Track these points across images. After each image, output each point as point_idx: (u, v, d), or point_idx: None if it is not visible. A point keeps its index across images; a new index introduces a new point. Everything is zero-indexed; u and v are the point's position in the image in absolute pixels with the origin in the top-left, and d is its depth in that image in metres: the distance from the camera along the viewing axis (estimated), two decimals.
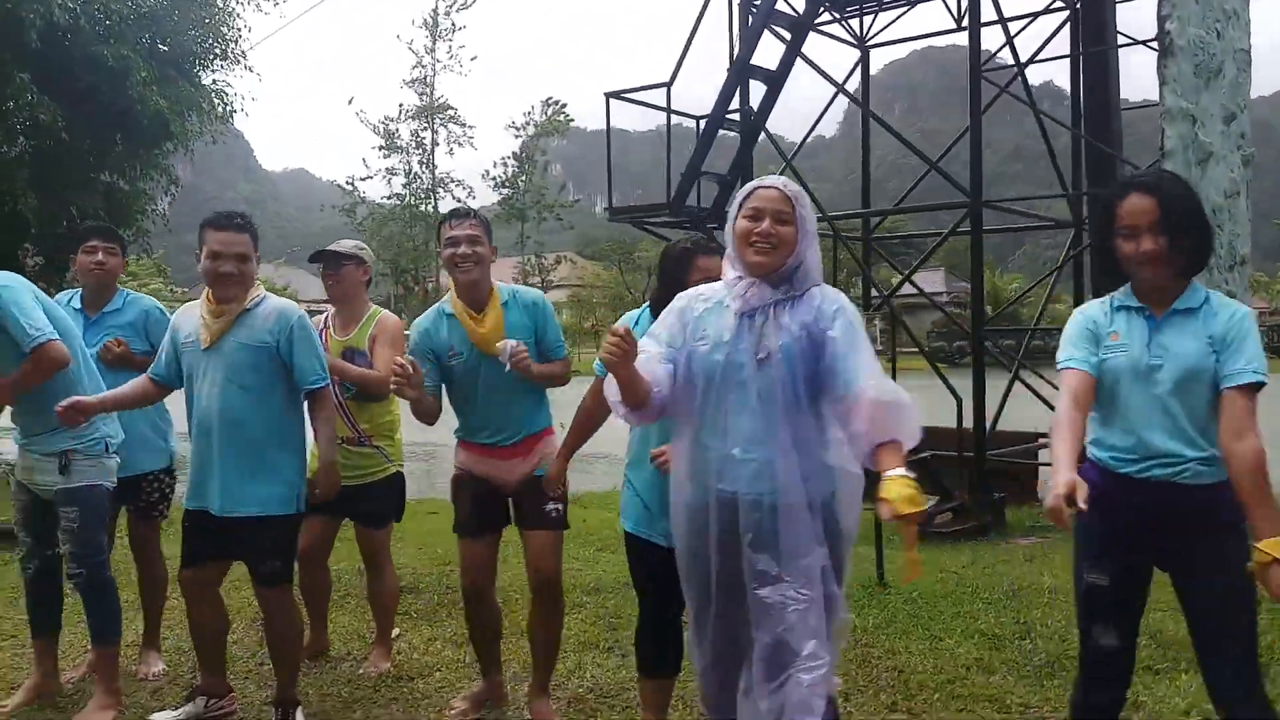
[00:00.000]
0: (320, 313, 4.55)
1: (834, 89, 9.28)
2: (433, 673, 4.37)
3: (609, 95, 8.74)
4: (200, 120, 13.74)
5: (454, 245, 3.69)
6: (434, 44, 46.15)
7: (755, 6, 8.55)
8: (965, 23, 10.01)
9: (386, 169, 47.48)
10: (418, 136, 47.65)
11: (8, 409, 4.00)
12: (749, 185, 2.84)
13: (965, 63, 8.42)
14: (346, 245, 4.55)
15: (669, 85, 8.50)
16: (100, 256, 4.34)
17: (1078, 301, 9.34)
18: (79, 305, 4.37)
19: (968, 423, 8.16)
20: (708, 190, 8.69)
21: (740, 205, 2.76)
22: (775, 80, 8.24)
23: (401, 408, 4.15)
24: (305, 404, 3.73)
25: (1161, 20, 7.29)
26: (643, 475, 3.27)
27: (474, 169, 50.11)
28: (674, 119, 8.92)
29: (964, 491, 7.97)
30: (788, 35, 8.35)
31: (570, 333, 57.09)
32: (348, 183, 46.27)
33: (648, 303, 3.43)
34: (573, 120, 51.94)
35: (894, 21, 10.84)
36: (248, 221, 3.72)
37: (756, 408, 2.62)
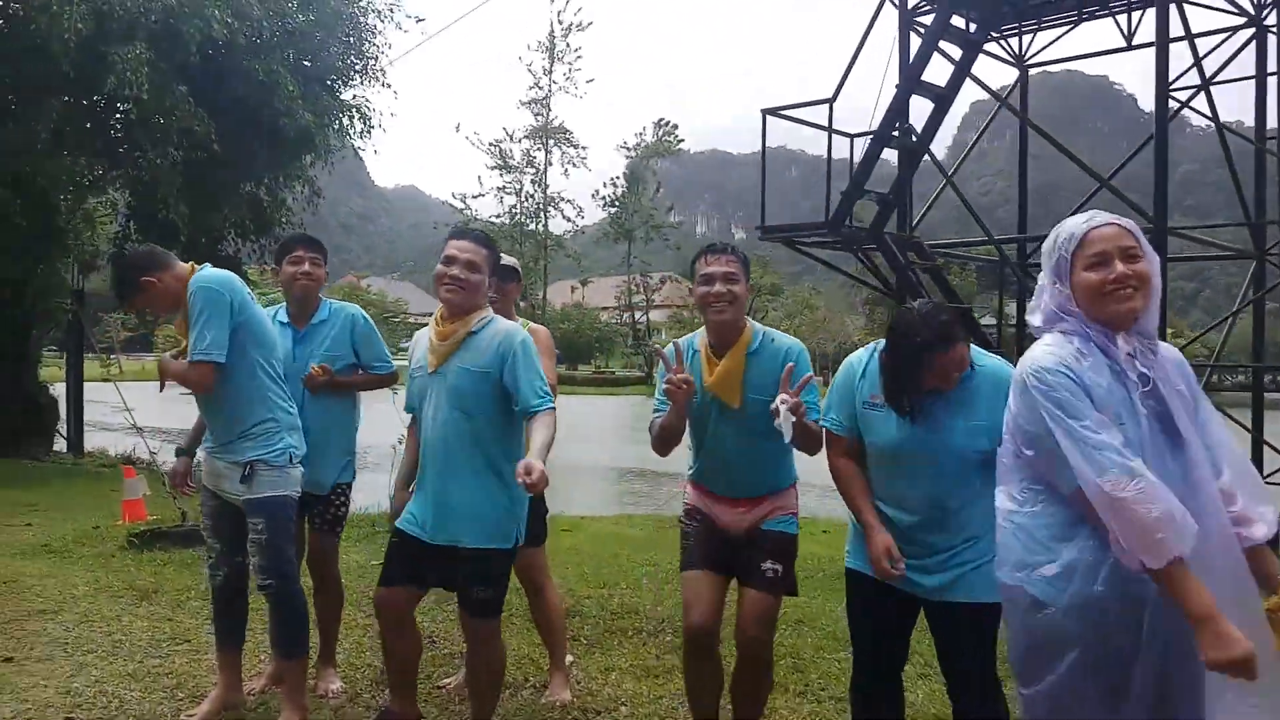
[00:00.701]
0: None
1: (988, 106, 8.89)
2: (617, 707, 4.15)
3: (766, 112, 8.51)
4: (340, 134, 14.03)
5: (708, 283, 3.35)
6: (551, 66, 47.05)
7: (919, 25, 8.24)
8: (1134, 41, 9.54)
9: (498, 187, 48.48)
10: (530, 156, 48.52)
11: (199, 411, 3.97)
12: (1068, 229, 2.38)
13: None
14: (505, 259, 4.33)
15: (831, 102, 8.23)
16: (307, 267, 4.26)
17: (1258, 335, 8.73)
18: (285, 319, 4.30)
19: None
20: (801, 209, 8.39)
21: (1069, 257, 2.36)
22: (944, 98, 7.90)
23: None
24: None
25: None
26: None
27: (584, 188, 50.70)
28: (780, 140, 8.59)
29: None
30: (955, 52, 8.02)
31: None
32: (459, 199, 47.37)
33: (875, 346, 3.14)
34: (683, 141, 52.15)
35: (1053, 42, 10.39)
36: (489, 238, 3.56)
37: (1183, 489, 2.21)
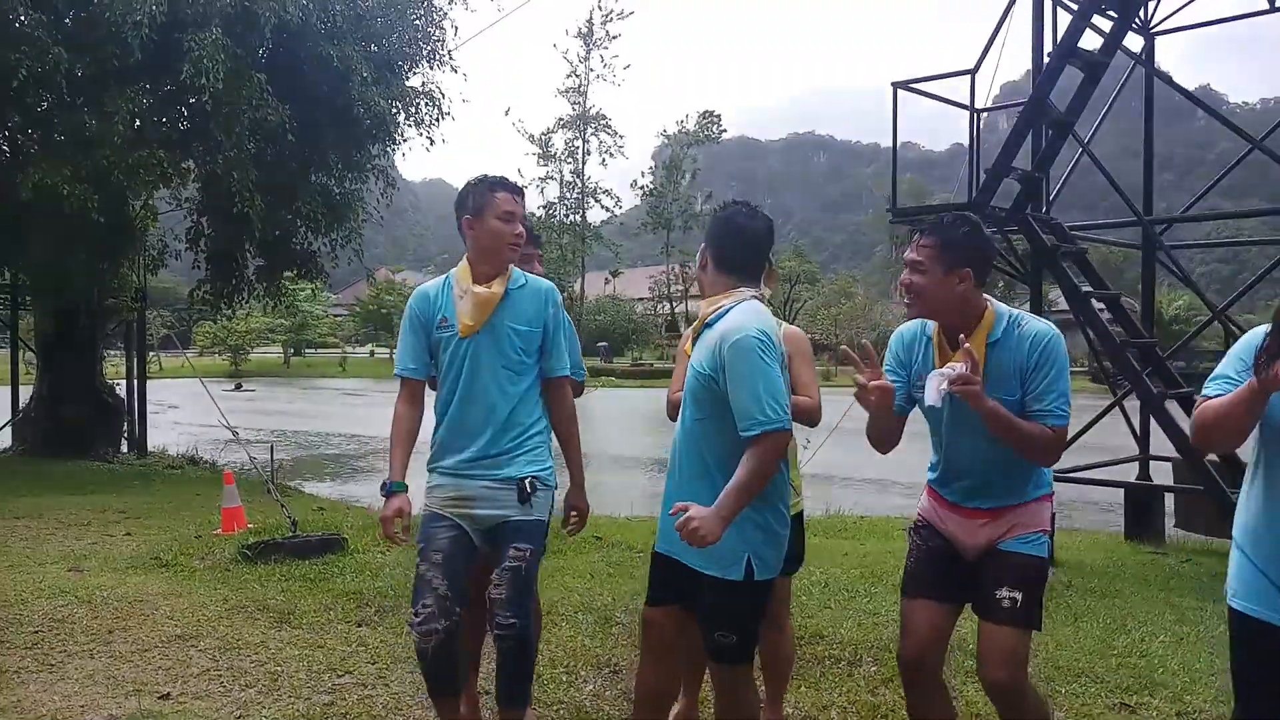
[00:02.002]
0: None
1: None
2: None
3: (896, 85, 7.94)
4: (414, 122, 13.57)
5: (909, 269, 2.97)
6: (588, 53, 46.54)
7: None
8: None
9: (539, 178, 48.19)
10: (570, 145, 48.09)
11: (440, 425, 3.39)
12: None
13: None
14: None
15: (973, 73, 7.66)
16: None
17: None
18: None
19: None
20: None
21: None
22: (1096, 65, 7.31)
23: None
24: None
25: None
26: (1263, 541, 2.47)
27: (621, 178, 50.32)
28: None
29: None
30: (1100, 22, 7.43)
31: None
32: None
33: None
34: (725, 130, 51.46)
35: (1182, 7, 9.68)
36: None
37: None
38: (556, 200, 50.60)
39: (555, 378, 3.37)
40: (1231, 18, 9.56)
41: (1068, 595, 6.34)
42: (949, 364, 2.80)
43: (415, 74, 14.25)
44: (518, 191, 3.34)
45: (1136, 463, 9.80)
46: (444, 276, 3.40)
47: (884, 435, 3.01)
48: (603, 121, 49.45)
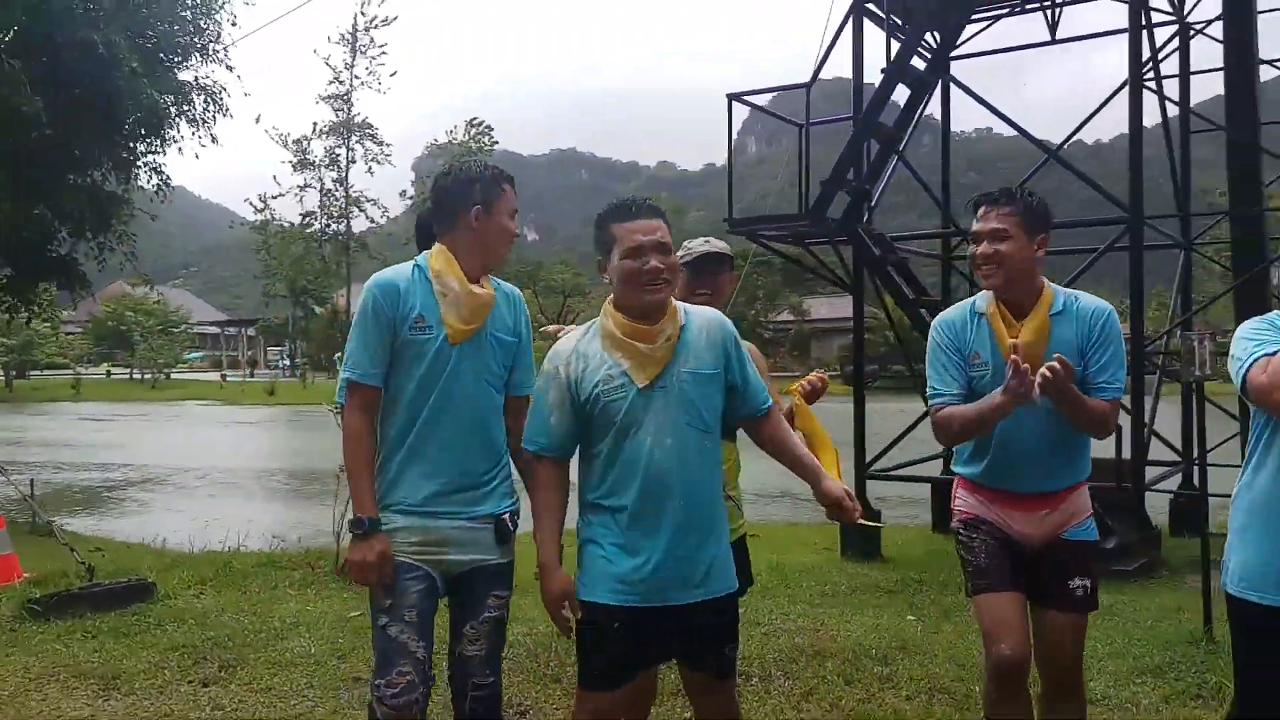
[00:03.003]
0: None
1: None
2: None
3: (731, 97, 7.96)
4: (192, 120, 12.40)
5: (976, 242, 2.99)
6: (353, 59, 44.78)
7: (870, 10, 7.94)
8: (1059, 35, 9.63)
9: (299, 186, 45.70)
10: (333, 154, 46.00)
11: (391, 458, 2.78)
12: None
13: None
14: (715, 244, 3.45)
15: (809, 87, 7.81)
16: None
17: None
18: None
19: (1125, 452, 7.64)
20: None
21: None
22: (923, 86, 7.64)
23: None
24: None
25: None
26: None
27: (390, 188, 48.56)
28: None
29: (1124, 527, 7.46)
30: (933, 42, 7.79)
31: None
32: (259, 200, 44.28)
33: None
34: (497, 143, 50.80)
35: (975, 35, 10.34)
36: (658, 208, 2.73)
37: None
38: (317, 209, 48.18)
39: (521, 395, 2.91)
40: (1016, 47, 10.31)
41: (924, 592, 6.54)
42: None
43: (187, 68, 13.05)
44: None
45: (942, 459, 10.38)
46: (409, 265, 2.82)
47: (983, 430, 2.95)
48: (368, 130, 47.63)
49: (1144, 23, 7.76)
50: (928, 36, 7.89)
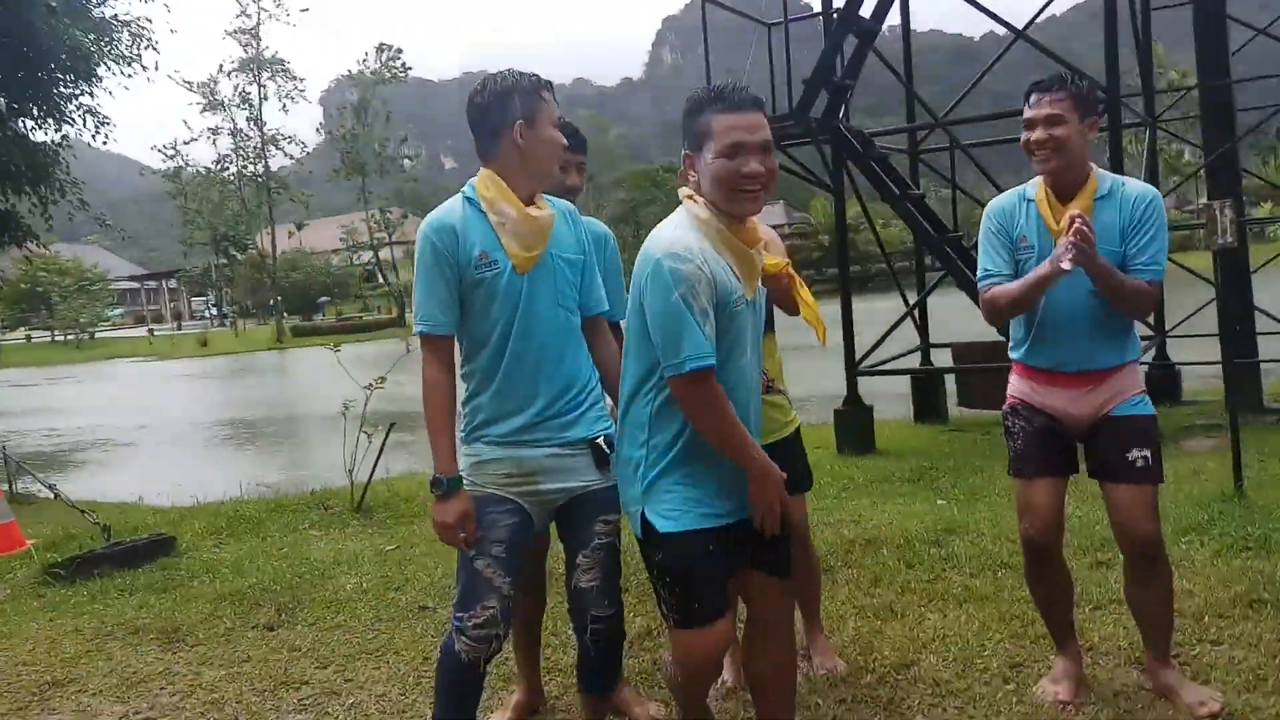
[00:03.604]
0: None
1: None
2: (920, 655, 3.55)
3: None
4: (118, 57, 11.76)
5: (1030, 128, 3.00)
6: None
7: None
8: None
9: (210, 129, 44.01)
10: (242, 92, 44.22)
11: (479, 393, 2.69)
12: None
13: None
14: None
15: None
16: (573, 177, 3.27)
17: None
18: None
19: None
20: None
21: None
22: None
23: None
24: None
25: None
26: None
27: (310, 123, 47.07)
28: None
29: None
30: None
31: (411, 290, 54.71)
32: (168, 148, 42.61)
33: None
34: (410, 68, 49.31)
35: None
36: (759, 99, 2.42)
37: None
38: (232, 151, 46.54)
39: (596, 315, 2.81)
40: None
41: (941, 478, 6.70)
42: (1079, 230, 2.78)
43: (108, 4, 12.34)
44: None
45: (919, 352, 10.57)
46: (458, 199, 2.65)
47: (1028, 306, 3.03)
48: (279, 65, 45.86)
49: None
50: None
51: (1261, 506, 4.92)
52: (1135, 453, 2.98)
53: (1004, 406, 3.21)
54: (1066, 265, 2.77)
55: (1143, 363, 9.75)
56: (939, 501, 5.92)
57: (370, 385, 6.69)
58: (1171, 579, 3.14)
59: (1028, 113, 3.01)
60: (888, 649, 3.64)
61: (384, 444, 6.78)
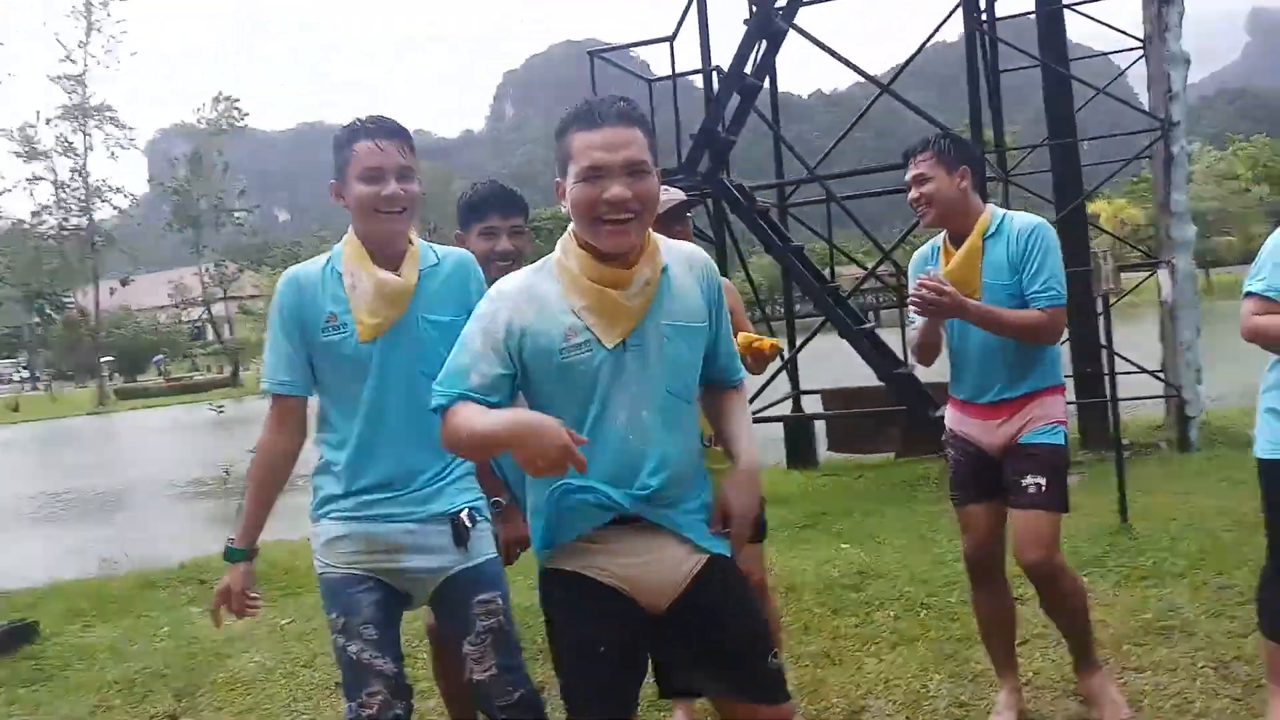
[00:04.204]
0: None
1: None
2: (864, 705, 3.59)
3: (593, 54, 7.86)
4: None
5: (908, 189, 3.24)
6: (88, 37, 40.40)
7: None
8: None
9: (26, 179, 41.20)
10: (63, 140, 41.60)
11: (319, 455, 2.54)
12: None
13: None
14: (673, 192, 3.19)
15: (671, 40, 7.81)
16: (505, 243, 3.05)
17: None
18: None
19: None
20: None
21: None
22: (779, 37, 7.83)
23: None
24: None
25: None
26: None
27: (137, 175, 44.82)
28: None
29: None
30: None
31: (251, 346, 52.67)
32: None
33: None
34: (248, 115, 47.65)
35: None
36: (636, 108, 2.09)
37: None
38: (52, 202, 43.75)
39: None
40: None
41: (836, 523, 6.83)
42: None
43: None
44: (390, 134, 2.45)
45: (791, 399, 10.83)
46: (324, 258, 2.52)
47: (933, 349, 3.28)
48: (107, 112, 43.54)
49: None
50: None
51: (1146, 537, 5.23)
52: (1030, 479, 3.09)
53: (944, 435, 3.38)
54: (913, 314, 3.12)
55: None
56: (842, 545, 6.03)
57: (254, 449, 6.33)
58: (1077, 595, 3.25)
59: (906, 176, 3.24)
60: (834, 695, 3.67)
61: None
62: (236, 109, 46.47)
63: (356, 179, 2.41)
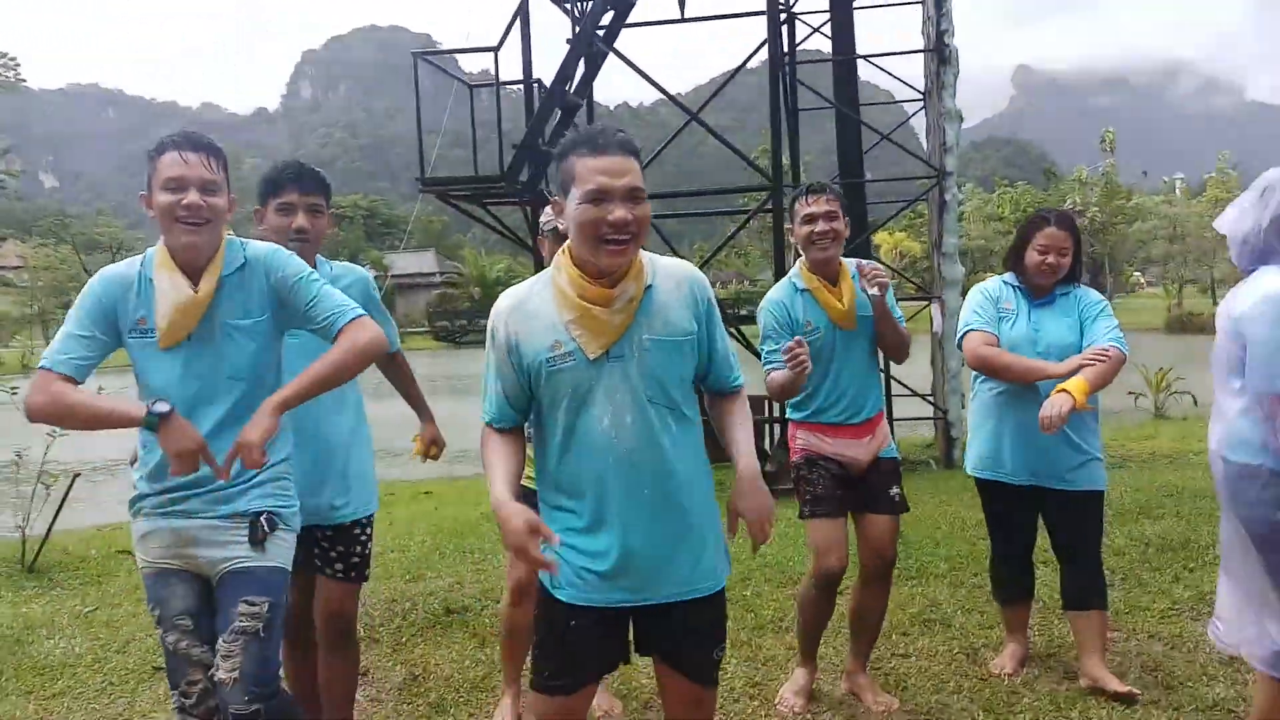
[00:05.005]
0: None
1: None
2: None
3: (417, 55, 7.90)
4: None
5: (811, 222, 3.53)
6: None
7: None
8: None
9: None
10: None
11: (143, 453, 2.60)
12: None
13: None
14: None
15: (496, 50, 7.94)
16: (301, 220, 3.09)
17: None
18: None
19: None
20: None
21: None
22: (599, 58, 8.16)
23: None
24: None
25: (939, 34, 8.67)
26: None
27: None
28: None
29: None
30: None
31: (9, 322, 48.25)
32: None
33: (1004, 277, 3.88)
34: (24, 79, 43.48)
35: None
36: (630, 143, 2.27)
37: None
38: None
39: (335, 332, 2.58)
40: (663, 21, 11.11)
41: None
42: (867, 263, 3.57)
43: None
44: (196, 147, 2.52)
45: None
46: (138, 259, 2.60)
47: (797, 390, 3.50)
48: None
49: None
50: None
51: (914, 542, 5.89)
52: (895, 489, 3.67)
53: (794, 459, 3.72)
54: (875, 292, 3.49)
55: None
56: None
57: (53, 432, 6.05)
58: (889, 596, 3.83)
59: (807, 209, 3.54)
60: (644, 678, 3.99)
61: (66, 496, 6.16)
62: (13, 66, 42.40)
63: (160, 188, 2.49)
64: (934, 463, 9.58)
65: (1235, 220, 2.77)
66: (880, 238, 52.13)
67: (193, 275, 2.52)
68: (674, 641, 2.38)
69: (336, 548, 3.11)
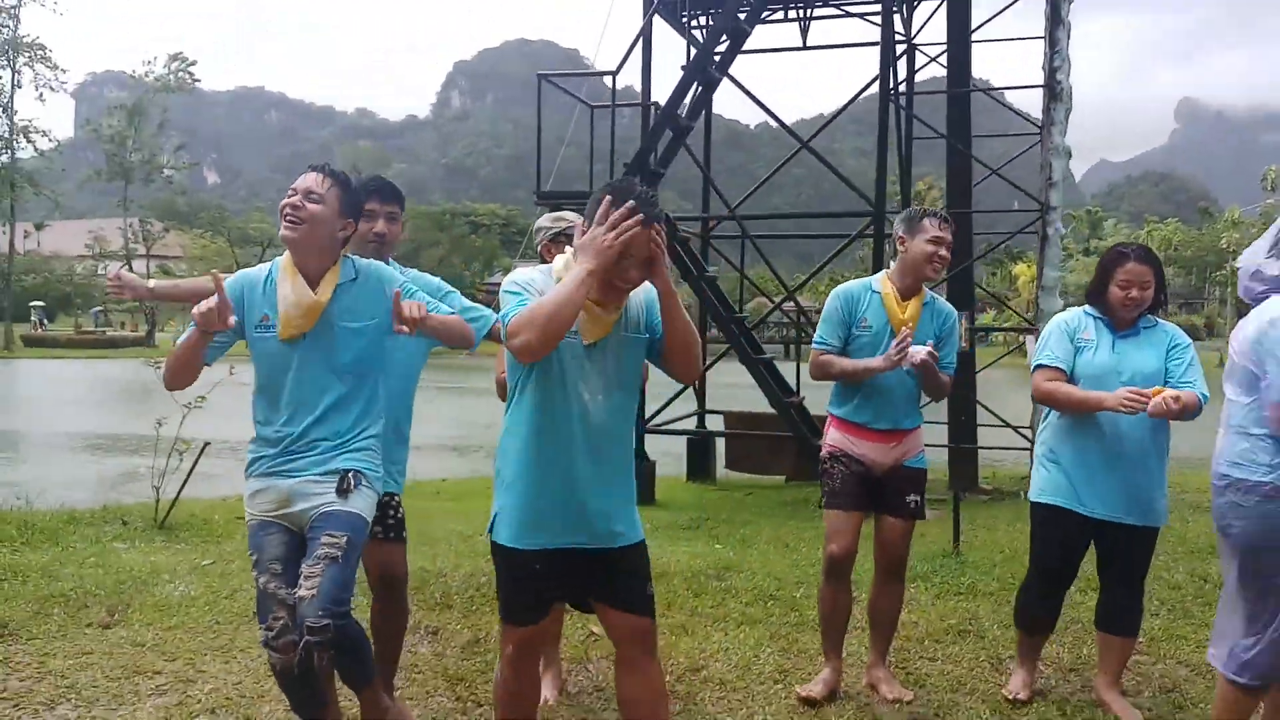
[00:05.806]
0: None
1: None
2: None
3: (541, 77, 8.53)
4: None
5: (937, 245, 3.85)
6: None
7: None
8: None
9: None
10: None
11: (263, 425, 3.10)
12: None
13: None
14: (569, 216, 3.76)
15: (614, 74, 8.50)
16: (381, 226, 3.55)
17: None
18: None
19: None
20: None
21: None
22: (714, 84, 8.60)
23: None
24: None
25: (1053, 70, 8.78)
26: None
27: (61, 118, 43.83)
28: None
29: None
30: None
31: (168, 308, 51.59)
32: None
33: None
34: (199, 81, 47.00)
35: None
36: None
37: None
38: None
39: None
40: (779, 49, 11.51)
41: (715, 528, 7.59)
42: (918, 348, 3.76)
43: None
44: (318, 169, 3.06)
45: (695, 416, 11.63)
46: (266, 267, 3.12)
47: (856, 381, 3.88)
48: (39, 50, 42.59)
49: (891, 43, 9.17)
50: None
51: (972, 563, 6.09)
52: (911, 496, 3.94)
53: (822, 454, 4.05)
54: (906, 364, 3.73)
55: None
56: (716, 545, 6.81)
57: (189, 404, 6.84)
58: (901, 597, 4.13)
59: (935, 232, 3.83)
60: (682, 657, 4.38)
61: (195, 464, 6.93)
62: (190, 72, 45.80)
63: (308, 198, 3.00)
64: (1024, 495, 9.57)
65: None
66: (1020, 269, 50.85)
67: (312, 282, 3.03)
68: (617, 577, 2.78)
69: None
